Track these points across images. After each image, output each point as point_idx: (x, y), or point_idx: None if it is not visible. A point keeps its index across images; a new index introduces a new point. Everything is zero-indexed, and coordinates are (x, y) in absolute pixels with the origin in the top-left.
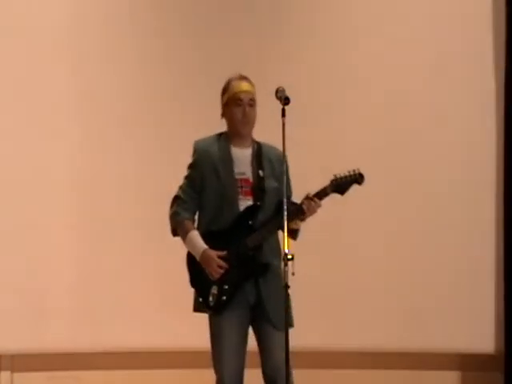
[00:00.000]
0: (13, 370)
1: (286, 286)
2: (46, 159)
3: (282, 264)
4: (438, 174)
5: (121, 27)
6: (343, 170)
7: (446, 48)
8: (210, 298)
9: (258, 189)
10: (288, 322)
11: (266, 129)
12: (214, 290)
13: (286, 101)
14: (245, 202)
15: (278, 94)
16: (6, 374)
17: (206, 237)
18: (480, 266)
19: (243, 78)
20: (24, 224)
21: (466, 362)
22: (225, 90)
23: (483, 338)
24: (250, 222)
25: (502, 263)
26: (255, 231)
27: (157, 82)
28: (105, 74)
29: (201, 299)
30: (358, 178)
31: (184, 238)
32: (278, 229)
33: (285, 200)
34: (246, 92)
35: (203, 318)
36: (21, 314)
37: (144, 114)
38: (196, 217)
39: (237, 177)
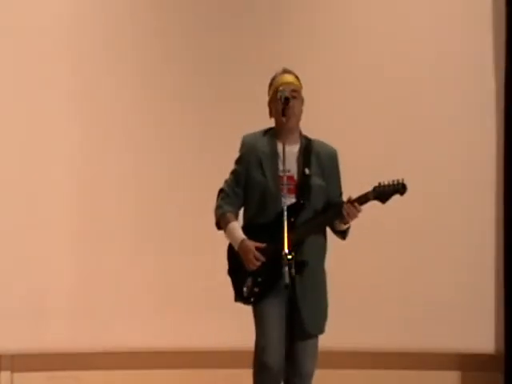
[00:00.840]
0: (13, 370)
1: (286, 287)
2: (46, 160)
3: (282, 264)
4: (438, 174)
5: (121, 27)
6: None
7: (445, 48)
8: (244, 289)
9: (302, 187)
10: (317, 326)
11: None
12: (249, 281)
13: (286, 101)
14: (288, 200)
15: (279, 94)
16: (6, 374)
17: (248, 230)
18: (480, 266)
19: (286, 71)
20: (24, 224)
21: (466, 362)
22: (269, 87)
23: (483, 338)
24: (291, 220)
25: (502, 263)
26: (294, 228)
27: (157, 82)
28: (105, 74)
29: (234, 290)
30: (400, 189)
31: (225, 229)
32: (319, 229)
33: (285, 208)
34: (287, 84)
35: (203, 318)
36: (21, 314)
37: (144, 114)
38: (241, 211)
39: (281, 174)
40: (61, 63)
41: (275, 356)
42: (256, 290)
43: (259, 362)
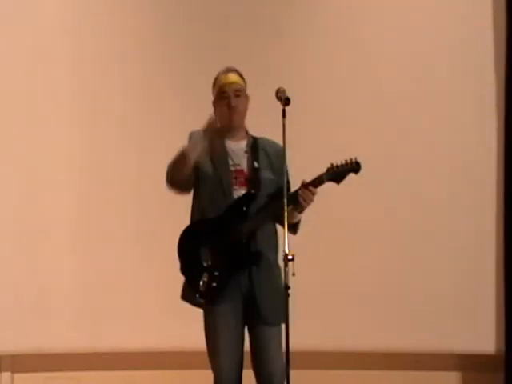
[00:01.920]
0: (13, 371)
1: (286, 287)
2: (46, 160)
3: (283, 264)
4: (438, 174)
5: (121, 28)
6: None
7: (445, 48)
8: (201, 284)
9: (252, 179)
10: (278, 316)
11: (266, 129)
12: (205, 277)
13: (286, 101)
14: (239, 192)
15: (279, 95)
16: (6, 375)
17: (199, 224)
18: (480, 266)
19: (229, 70)
20: (24, 224)
21: (466, 363)
22: (213, 86)
23: (483, 339)
24: (244, 209)
25: (503, 263)
26: (246, 217)
27: (157, 83)
28: (104, 74)
29: (191, 287)
30: (354, 167)
31: (181, 158)
32: (273, 217)
33: (285, 200)
34: (230, 84)
35: (202, 319)
36: (21, 314)
37: (144, 114)
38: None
39: (231, 168)
40: (61, 63)
41: (231, 374)
42: (214, 284)
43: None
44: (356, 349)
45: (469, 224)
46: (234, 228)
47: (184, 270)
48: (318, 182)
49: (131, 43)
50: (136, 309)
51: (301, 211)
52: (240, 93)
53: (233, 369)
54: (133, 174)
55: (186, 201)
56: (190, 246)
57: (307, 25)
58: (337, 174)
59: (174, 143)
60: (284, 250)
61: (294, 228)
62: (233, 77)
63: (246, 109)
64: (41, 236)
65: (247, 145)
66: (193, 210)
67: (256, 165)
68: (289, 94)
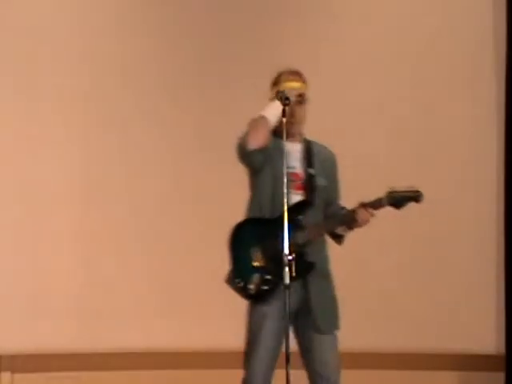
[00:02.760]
0: (13, 371)
1: (287, 287)
2: (46, 161)
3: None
4: (438, 176)
5: (122, 28)
6: (341, 167)
7: (445, 48)
8: (251, 286)
9: (309, 186)
10: (331, 325)
11: None
12: (256, 278)
13: (286, 101)
14: (295, 196)
15: (279, 95)
16: (6, 375)
17: (252, 222)
18: (480, 266)
19: (293, 73)
20: (24, 225)
21: (466, 363)
22: (273, 85)
23: (484, 339)
24: (300, 217)
25: (503, 264)
26: (302, 227)
27: (157, 83)
28: (106, 76)
29: (241, 284)
30: (417, 197)
31: (262, 120)
32: (327, 231)
33: (285, 200)
34: (295, 87)
35: (203, 319)
36: (21, 314)
37: (145, 115)
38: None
39: (288, 170)
40: (61, 64)
41: (262, 378)
42: (265, 287)
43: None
44: (356, 349)
45: (469, 225)
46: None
47: (233, 263)
48: (377, 204)
49: (131, 42)
50: (136, 309)
51: (351, 228)
52: (302, 99)
53: (265, 373)
54: (133, 174)
55: (185, 201)
56: (242, 242)
57: (308, 25)
58: (398, 200)
59: (174, 144)
60: (284, 251)
61: (340, 238)
62: (296, 83)
63: (305, 115)
64: (41, 236)
65: (302, 148)
66: (250, 204)
67: (312, 171)
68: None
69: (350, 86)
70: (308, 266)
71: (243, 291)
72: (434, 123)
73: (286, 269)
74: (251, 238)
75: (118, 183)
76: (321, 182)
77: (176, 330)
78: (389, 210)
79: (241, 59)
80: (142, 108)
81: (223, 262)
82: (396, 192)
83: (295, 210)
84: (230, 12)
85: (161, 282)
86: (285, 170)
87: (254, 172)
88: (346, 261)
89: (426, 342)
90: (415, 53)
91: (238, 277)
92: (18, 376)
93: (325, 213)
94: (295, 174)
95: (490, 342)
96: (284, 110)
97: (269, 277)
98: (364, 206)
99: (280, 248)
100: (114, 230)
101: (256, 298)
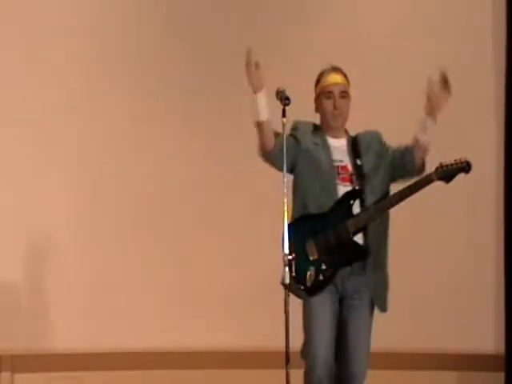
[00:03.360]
0: (13, 371)
1: (287, 287)
2: (45, 161)
3: (283, 264)
4: None
5: (123, 28)
6: None
7: (445, 48)
8: (308, 279)
9: (357, 175)
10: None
11: None
12: (312, 270)
13: (286, 101)
14: (344, 188)
15: (279, 95)
16: (6, 375)
17: (303, 219)
18: (480, 266)
19: (335, 69)
20: (24, 224)
21: (466, 363)
22: (316, 83)
23: (484, 339)
24: (350, 205)
25: (503, 264)
26: (352, 215)
27: (158, 83)
28: (106, 76)
29: (301, 286)
30: (465, 167)
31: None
32: (381, 214)
33: (286, 206)
34: (336, 84)
35: (202, 319)
36: (21, 314)
37: (145, 115)
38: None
39: (335, 164)
40: (60, 64)
41: (325, 363)
42: (321, 278)
43: (310, 372)
44: None
45: (469, 224)
46: (340, 223)
47: (292, 264)
48: (428, 181)
49: (131, 42)
50: (136, 309)
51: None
52: (345, 94)
53: (326, 356)
54: (132, 173)
55: (185, 201)
56: (294, 241)
57: (308, 25)
58: (447, 172)
59: (173, 142)
60: (284, 251)
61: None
62: (339, 77)
63: (348, 109)
64: (41, 236)
65: (347, 143)
66: (294, 205)
67: (359, 162)
68: (289, 93)
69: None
70: (362, 253)
71: (302, 291)
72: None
73: (286, 269)
74: (303, 235)
75: (119, 183)
76: (369, 170)
77: (176, 329)
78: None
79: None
80: (143, 108)
81: (227, 262)
82: (444, 166)
83: (345, 200)
84: (232, 12)
85: (161, 282)
86: (284, 171)
87: (291, 171)
88: None
89: (425, 342)
90: (415, 53)
91: (296, 277)
92: (18, 376)
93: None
94: (343, 167)
95: (489, 341)
96: (284, 110)
97: (324, 267)
98: (416, 185)
99: (331, 238)
100: (114, 229)
101: (310, 290)
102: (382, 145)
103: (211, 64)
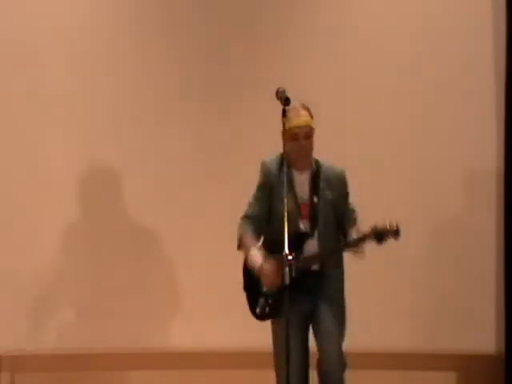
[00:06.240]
0: (13, 371)
1: (286, 287)
2: (44, 160)
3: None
4: (439, 174)
5: (123, 28)
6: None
7: (445, 48)
8: (257, 309)
9: (312, 215)
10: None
11: (266, 129)
12: (261, 301)
13: (286, 101)
14: (305, 224)
15: (279, 95)
16: (6, 375)
17: (273, 244)
18: (480, 266)
19: (299, 108)
20: (24, 224)
21: (466, 363)
22: (283, 116)
23: (484, 339)
24: (301, 246)
25: (503, 264)
26: (298, 258)
27: (158, 82)
28: (104, 74)
29: (249, 306)
30: (395, 233)
31: (244, 252)
32: (325, 259)
33: (285, 210)
34: (301, 127)
35: (202, 319)
36: (21, 314)
37: (144, 114)
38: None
39: (299, 201)
40: (60, 63)
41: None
42: (267, 309)
43: None
44: (356, 349)
45: (469, 224)
46: (292, 261)
47: (245, 289)
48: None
49: (131, 42)
50: (136, 309)
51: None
52: (309, 135)
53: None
54: (132, 173)
55: (185, 202)
56: (250, 270)
57: (308, 25)
58: (378, 234)
59: (172, 142)
60: (284, 251)
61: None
62: (304, 119)
63: (312, 146)
64: (41, 236)
65: (310, 176)
66: (268, 229)
67: (315, 199)
68: (289, 93)
69: (351, 86)
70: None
71: (257, 317)
72: (434, 123)
73: (286, 269)
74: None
75: (118, 182)
76: (325, 208)
77: (176, 330)
78: (388, 207)
79: (241, 59)
80: (143, 107)
81: (229, 262)
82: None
83: (297, 240)
84: (234, 20)
85: (161, 283)
86: (284, 171)
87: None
88: (345, 262)
89: (425, 342)
90: (415, 53)
91: (249, 303)
92: (18, 376)
93: (341, 223)
94: (304, 205)
95: (489, 342)
96: (284, 110)
97: (270, 301)
98: (355, 241)
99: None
100: (113, 229)
101: (261, 319)
102: (345, 188)
103: (211, 64)
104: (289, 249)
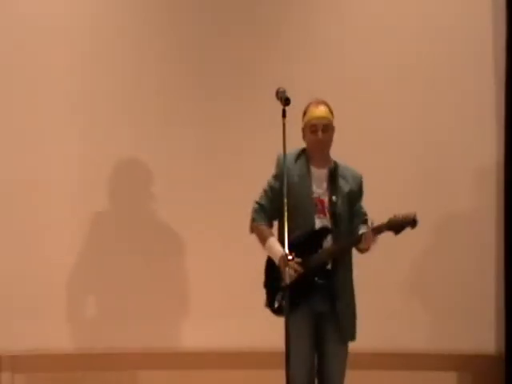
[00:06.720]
0: (13, 371)
1: (286, 287)
2: (44, 159)
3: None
4: (439, 174)
5: (122, 27)
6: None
7: (445, 48)
8: (276, 303)
9: (331, 212)
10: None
11: (266, 129)
12: (279, 295)
13: (286, 101)
14: (321, 221)
15: (279, 95)
16: (6, 375)
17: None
18: (480, 266)
19: (320, 103)
20: (24, 224)
21: (466, 363)
22: (303, 115)
23: (484, 339)
24: (320, 241)
25: (503, 264)
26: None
27: (158, 82)
28: (104, 74)
29: (268, 301)
30: (411, 223)
31: (263, 244)
32: (342, 252)
33: (285, 210)
34: (319, 118)
35: (202, 319)
36: (21, 314)
37: (144, 115)
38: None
39: (315, 196)
40: (60, 63)
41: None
42: (283, 303)
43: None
44: (356, 349)
45: (469, 224)
46: (309, 256)
47: (266, 285)
48: (378, 230)
49: (131, 42)
50: (135, 309)
51: (361, 250)
52: (328, 127)
53: (303, 376)
54: (132, 173)
55: (185, 202)
56: (272, 265)
57: (308, 25)
58: (395, 226)
59: (172, 142)
60: (284, 250)
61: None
62: (323, 111)
63: (331, 140)
64: (41, 236)
65: (328, 173)
66: (278, 233)
67: (334, 199)
68: (289, 94)
69: (351, 86)
70: (328, 280)
71: (271, 310)
72: (434, 123)
73: (286, 269)
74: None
75: (119, 182)
76: (342, 206)
77: (176, 330)
78: (388, 206)
79: (241, 59)
80: (143, 107)
81: (231, 262)
82: (395, 219)
83: (316, 235)
84: (234, 20)
85: (161, 283)
86: (284, 171)
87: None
88: None
89: (425, 342)
90: (415, 53)
91: (268, 299)
92: (18, 376)
93: (352, 222)
94: (320, 200)
95: (489, 342)
96: (284, 110)
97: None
98: (373, 230)
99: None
100: (114, 229)
101: (278, 313)
102: (359, 190)
103: (211, 64)
104: (308, 244)
